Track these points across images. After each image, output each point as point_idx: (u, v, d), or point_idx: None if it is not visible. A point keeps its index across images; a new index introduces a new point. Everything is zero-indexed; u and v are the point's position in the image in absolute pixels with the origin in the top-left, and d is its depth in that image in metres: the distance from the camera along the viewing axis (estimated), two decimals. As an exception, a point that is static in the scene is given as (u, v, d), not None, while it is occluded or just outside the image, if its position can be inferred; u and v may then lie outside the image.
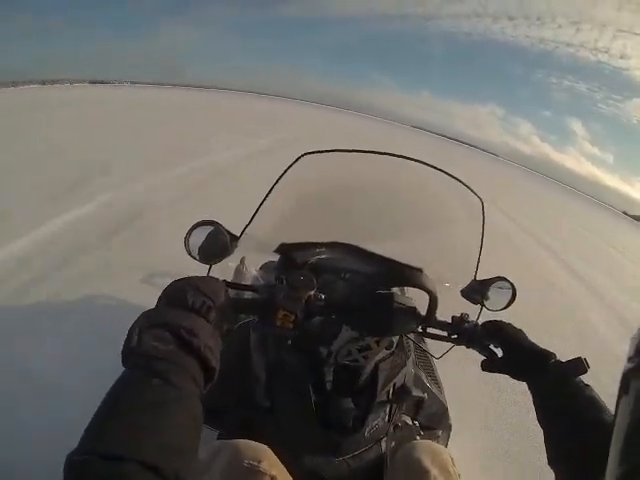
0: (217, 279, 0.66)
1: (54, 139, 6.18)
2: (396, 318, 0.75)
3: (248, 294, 0.80)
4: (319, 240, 0.88)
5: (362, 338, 0.80)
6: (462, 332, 0.82)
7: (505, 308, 0.90)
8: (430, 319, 0.78)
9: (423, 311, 0.78)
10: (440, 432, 1.10)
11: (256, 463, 0.68)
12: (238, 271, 1.48)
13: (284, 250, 0.86)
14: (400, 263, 0.85)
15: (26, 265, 2.58)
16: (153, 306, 0.57)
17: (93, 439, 0.38)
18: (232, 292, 0.70)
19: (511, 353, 0.76)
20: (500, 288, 0.90)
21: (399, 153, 0.88)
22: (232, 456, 0.69)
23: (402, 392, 0.87)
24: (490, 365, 0.79)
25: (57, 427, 1.19)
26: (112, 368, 0.50)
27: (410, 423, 0.97)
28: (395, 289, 0.82)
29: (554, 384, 0.67)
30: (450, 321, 0.83)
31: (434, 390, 1.11)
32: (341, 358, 0.80)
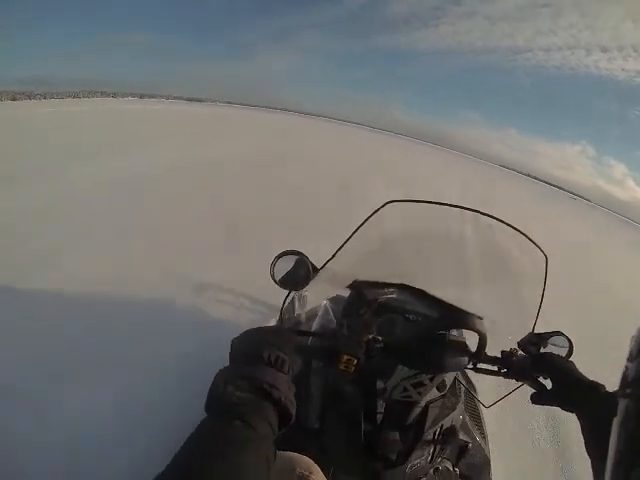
0: (287, 330, 0.72)
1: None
2: (446, 355, 0.78)
3: (311, 338, 0.84)
4: (389, 281, 0.94)
5: (416, 375, 0.82)
6: (512, 366, 0.83)
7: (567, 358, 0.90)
8: (480, 355, 0.81)
9: (474, 349, 0.80)
10: None
11: (307, 473, 0.74)
12: (291, 302, 1.51)
13: (356, 286, 0.93)
14: (460, 309, 0.88)
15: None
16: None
17: (179, 469, 0.43)
18: (300, 339, 0.76)
19: (560, 385, 0.77)
20: (557, 343, 0.90)
21: (480, 208, 0.90)
22: (285, 465, 0.75)
23: (448, 435, 0.88)
24: (539, 398, 0.79)
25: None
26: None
27: (451, 469, 0.96)
28: (451, 331, 0.84)
29: (603, 415, 0.61)
30: (500, 356, 0.84)
31: (479, 439, 1.09)
32: (396, 394, 0.83)
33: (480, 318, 0.84)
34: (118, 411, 1.74)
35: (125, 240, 3.30)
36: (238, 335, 0.65)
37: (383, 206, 0.87)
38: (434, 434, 0.86)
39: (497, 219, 0.91)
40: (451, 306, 0.90)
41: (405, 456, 0.82)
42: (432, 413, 0.86)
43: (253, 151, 8.91)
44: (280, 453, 0.78)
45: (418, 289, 0.93)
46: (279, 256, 0.83)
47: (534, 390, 0.81)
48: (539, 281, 0.92)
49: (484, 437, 1.16)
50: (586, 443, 0.68)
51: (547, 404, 0.78)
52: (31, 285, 2.47)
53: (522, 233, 0.90)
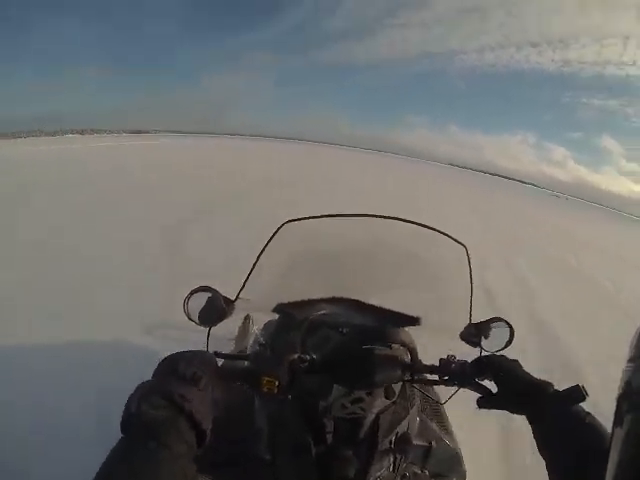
0: (206, 352, 0.72)
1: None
2: (376, 370, 0.77)
3: (236, 362, 0.84)
4: (316, 297, 0.94)
5: (353, 391, 0.81)
6: (452, 373, 0.81)
7: (504, 348, 0.89)
8: (414, 367, 0.80)
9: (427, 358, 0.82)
10: (454, 479, 1.07)
11: None
12: (243, 329, 1.53)
13: (282, 309, 0.92)
14: (397, 313, 0.91)
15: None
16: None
17: None
18: (225, 361, 0.77)
19: (506, 387, 0.74)
20: (498, 329, 0.90)
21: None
22: None
23: (405, 441, 0.86)
24: (486, 402, 0.77)
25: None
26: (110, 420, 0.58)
27: (419, 472, 0.96)
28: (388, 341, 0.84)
29: (553, 415, 0.65)
30: (438, 364, 0.83)
31: (443, 436, 1.08)
32: (337, 412, 0.81)
33: (417, 320, 0.87)
34: (38, 427, 1.83)
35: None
36: (170, 354, 0.65)
37: (279, 228, 0.88)
38: (390, 443, 0.84)
39: (405, 220, 0.91)
40: (387, 312, 0.91)
41: (364, 472, 0.79)
42: (384, 422, 0.83)
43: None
44: None
45: (350, 300, 0.94)
46: (190, 294, 0.82)
47: (479, 395, 0.78)
48: (465, 272, 0.92)
49: (448, 432, 1.15)
50: (538, 445, 0.67)
51: (495, 408, 0.76)
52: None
53: (434, 229, 0.92)
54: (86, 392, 2.01)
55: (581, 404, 0.65)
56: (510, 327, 0.89)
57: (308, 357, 0.75)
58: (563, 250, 8.45)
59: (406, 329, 0.86)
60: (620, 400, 0.32)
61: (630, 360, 0.32)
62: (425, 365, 0.82)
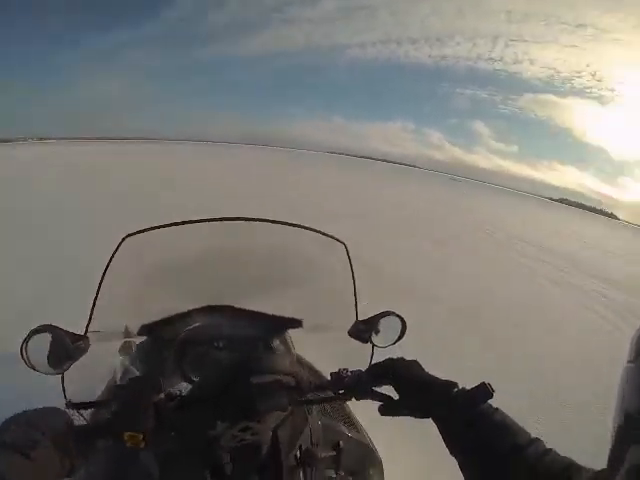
0: (55, 408, 0.57)
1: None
2: (259, 400, 0.69)
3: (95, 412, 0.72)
4: (184, 310, 0.84)
5: (236, 422, 0.72)
6: (346, 386, 0.76)
7: (397, 341, 0.88)
8: (303, 388, 0.74)
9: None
10: (370, 471, 1.06)
11: None
12: (124, 351, 1.29)
13: (148, 331, 0.81)
14: (277, 317, 0.86)
15: None
16: None
17: None
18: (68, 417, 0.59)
19: (407, 392, 0.69)
20: (388, 322, 0.88)
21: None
22: None
23: (311, 451, 0.81)
24: (388, 409, 0.72)
25: None
26: None
27: (334, 475, 0.92)
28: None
29: (461, 415, 0.62)
30: (330, 378, 0.77)
31: (351, 433, 1.07)
32: (228, 442, 0.72)
33: (299, 322, 0.85)
34: None
35: None
36: (7, 419, 0.53)
37: (120, 243, 0.77)
38: (295, 457, 0.79)
39: (271, 221, 0.86)
40: (267, 316, 0.87)
41: None
42: (283, 439, 0.78)
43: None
44: None
45: (226, 307, 0.88)
46: (27, 338, 0.66)
47: (380, 403, 0.73)
48: (347, 269, 0.90)
49: (356, 428, 1.14)
50: (449, 446, 0.63)
51: (398, 415, 0.72)
52: None
53: (310, 229, 0.88)
54: None
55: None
56: (401, 319, 0.88)
57: (178, 392, 0.67)
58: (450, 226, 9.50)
59: (291, 339, 0.79)
60: (622, 430, 0.31)
61: (630, 361, 0.31)
62: (315, 384, 0.76)
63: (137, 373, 0.89)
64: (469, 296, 4.83)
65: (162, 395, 0.64)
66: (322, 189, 13.32)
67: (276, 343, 0.92)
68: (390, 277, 4.97)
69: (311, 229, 0.88)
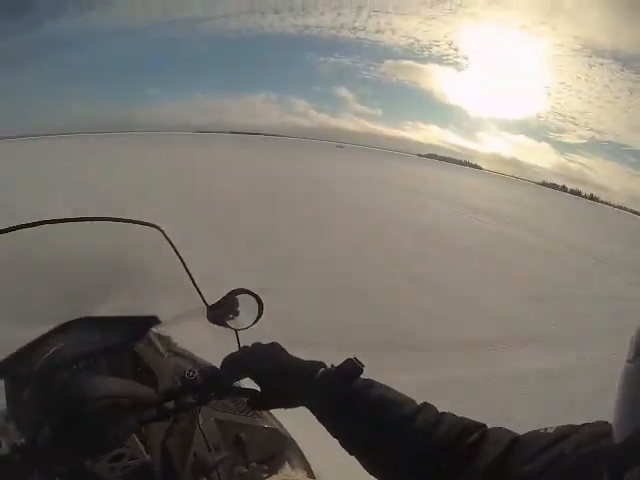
0: None
1: None
2: (107, 431, 0.57)
3: None
4: (33, 338, 0.73)
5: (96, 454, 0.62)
6: (200, 387, 0.65)
7: (257, 320, 0.83)
8: (149, 403, 0.62)
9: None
10: (286, 452, 1.02)
11: None
12: None
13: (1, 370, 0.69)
14: (134, 317, 0.83)
15: None
16: None
17: None
18: None
19: (270, 382, 0.61)
20: (244, 302, 0.83)
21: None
22: None
23: (205, 457, 0.73)
24: (256, 403, 0.66)
25: None
26: None
27: (246, 470, 0.86)
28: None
29: (332, 397, 0.56)
30: (180, 385, 0.66)
31: (253, 422, 0.99)
32: (108, 475, 0.63)
33: (155, 319, 0.83)
34: None
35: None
36: None
37: None
38: (192, 465, 0.72)
39: (70, 220, 0.81)
40: (123, 319, 0.81)
41: None
42: (173, 451, 0.71)
43: None
44: None
45: (81, 319, 0.80)
46: None
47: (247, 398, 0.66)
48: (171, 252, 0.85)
49: (258, 415, 1.06)
50: (328, 428, 0.57)
51: (268, 408, 0.68)
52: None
53: (119, 220, 0.83)
54: None
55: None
56: (256, 297, 0.83)
57: (20, 442, 0.55)
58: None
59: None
60: (617, 407, 0.31)
61: (629, 360, 0.31)
62: (163, 394, 0.64)
63: None
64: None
65: (7, 446, 0.54)
66: (189, 169, 12.98)
67: (140, 347, 0.83)
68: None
69: (125, 220, 0.82)
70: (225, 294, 0.83)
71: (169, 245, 0.86)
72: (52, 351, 0.74)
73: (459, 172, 29.22)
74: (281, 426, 1.07)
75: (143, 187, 8.28)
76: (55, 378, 0.69)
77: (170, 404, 0.64)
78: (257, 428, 0.99)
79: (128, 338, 0.79)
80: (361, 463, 0.55)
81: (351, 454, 0.56)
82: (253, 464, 0.90)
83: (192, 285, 0.87)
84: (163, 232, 0.85)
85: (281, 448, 1.03)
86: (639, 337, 0.32)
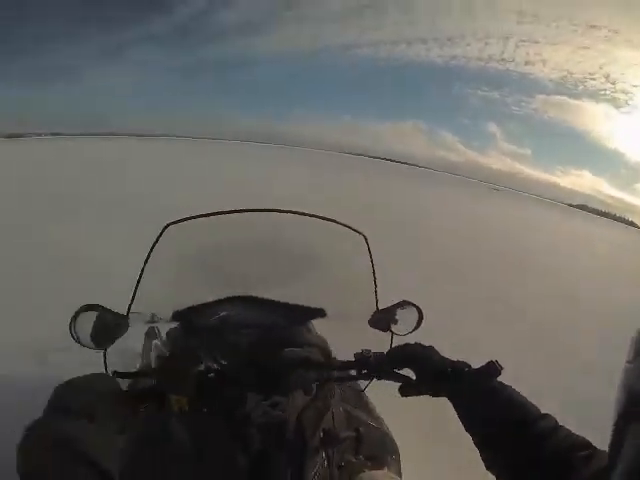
0: (103, 375, 0.64)
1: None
2: (291, 374, 0.75)
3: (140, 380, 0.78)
4: (213, 299, 0.90)
5: (268, 397, 0.78)
6: (369, 366, 0.81)
7: (414, 330, 0.92)
8: (330, 364, 0.80)
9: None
10: (388, 458, 1.07)
11: None
12: (146, 344, 1.48)
13: (180, 317, 0.88)
14: (301, 306, 0.90)
15: None
16: None
17: None
18: (127, 382, 0.69)
19: (424, 373, 0.76)
20: (406, 312, 0.92)
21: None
22: None
23: (333, 434, 0.86)
24: (407, 390, 0.78)
25: None
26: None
27: (354, 460, 0.95)
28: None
29: (472, 392, 0.68)
30: (354, 359, 0.82)
31: (370, 421, 1.11)
32: (257, 418, 0.77)
33: (322, 311, 0.89)
34: None
35: None
36: (60, 384, 0.58)
37: (162, 232, 0.84)
38: (319, 439, 0.83)
39: (296, 212, 0.91)
40: (290, 306, 0.91)
41: (299, 473, 0.77)
42: (308, 420, 0.82)
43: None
44: None
45: (251, 297, 0.93)
46: (75, 316, 0.73)
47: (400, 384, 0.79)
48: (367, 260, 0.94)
49: (373, 415, 1.18)
50: (465, 425, 0.69)
51: (417, 394, 0.77)
52: None
53: (331, 220, 0.92)
54: None
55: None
56: (417, 308, 0.92)
57: (215, 366, 0.72)
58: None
59: (314, 326, 0.85)
60: (625, 409, 0.32)
61: (629, 361, 0.32)
62: (341, 362, 0.82)
63: (167, 354, 0.97)
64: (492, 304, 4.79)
65: (202, 367, 0.71)
66: (332, 188, 13.06)
67: (302, 330, 0.96)
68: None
69: (334, 221, 0.92)
70: (394, 303, 0.93)
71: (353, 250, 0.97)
72: (222, 315, 0.90)
73: (613, 228, 25.58)
74: (391, 435, 1.14)
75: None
76: (224, 336, 0.85)
77: (343, 373, 0.84)
78: (372, 427, 1.09)
79: (292, 322, 0.88)
80: (482, 456, 0.64)
81: (475, 444, 0.66)
82: (360, 457, 0.97)
83: (360, 290, 0.98)
84: (366, 239, 0.92)
85: (387, 453, 1.08)
86: (639, 338, 0.33)
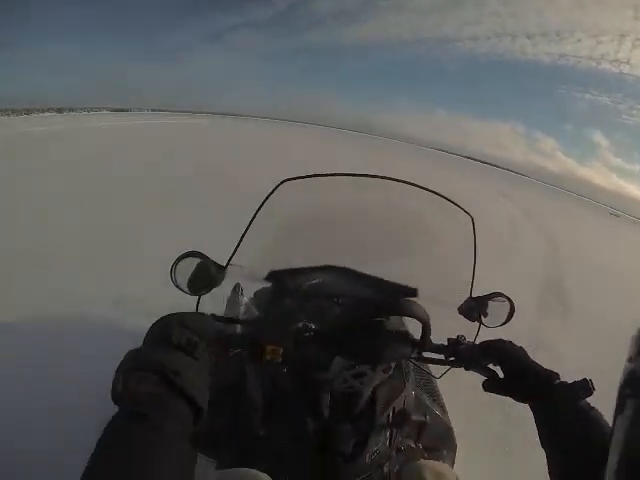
0: (203, 314, 0.67)
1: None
2: (387, 345, 0.74)
3: (235, 327, 0.80)
4: (310, 265, 0.89)
5: (356, 365, 0.78)
6: (459, 354, 0.79)
7: (504, 324, 0.87)
8: (424, 344, 0.77)
9: (418, 334, 0.77)
10: (445, 452, 1.08)
11: None
12: (232, 298, 1.49)
13: (274, 277, 0.87)
14: (393, 283, 0.87)
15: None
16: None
17: None
18: (221, 325, 0.69)
19: (512, 374, 0.73)
20: (498, 304, 0.88)
21: (412, 178, 0.86)
22: None
23: (402, 415, 0.86)
24: (492, 386, 0.76)
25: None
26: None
27: (413, 446, 0.95)
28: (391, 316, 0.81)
29: (559, 407, 0.65)
30: (446, 343, 0.81)
31: (437, 411, 1.10)
32: (337, 385, 0.79)
33: (414, 291, 0.84)
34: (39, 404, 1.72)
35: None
36: (157, 319, 0.59)
37: (277, 187, 0.81)
38: (387, 418, 0.83)
39: (411, 183, 0.86)
40: (383, 282, 0.87)
41: (362, 446, 0.78)
42: (381, 397, 0.82)
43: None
44: (225, 472, 0.75)
45: (345, 268, 0.90)
46: (177, 260, 0.76)
47: (485, 377, 0.77)
48: (470, 244, 0.88)
49: (442, 407, 1.15)
50: (540, 436, 0.66)
51: (500, 393, 0.75)
52: None
53: (441, 195, 0.87)
54: (78, 361, 1.97)
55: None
56: (510, 302, 0.86)
57: (312, 326, 0.72)
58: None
59: (421, 296, 0.82)
60: (622, 388, 0.32)
61: (629, 360, 0.32)
62: (434, 344, 0.79)
63: (257, 312, 1.03)
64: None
65: (300, 324, 0.71)
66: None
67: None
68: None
69: (445, 197, 0.86)
70: (488, 293, 0.88)
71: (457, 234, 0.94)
72: (316, 281, 0.89)
73: None
74: (453, 430, 1.11)
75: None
76: (318, 301, 0.85)
77: (432, 355, 0.80)
78: (438, 417, 1.07)
79: (383, 311, 0.81)
80: (550, 471, 0.62)
81: (548, 458, 0.63)
82: (419, 445, 0.97)
83: (455, 274, 0.95)
84: (473, 221, 0.86)
85: (445, 447, 1.07)
86: (639, 337, 0.32)
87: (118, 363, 0.51)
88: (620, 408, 0.31)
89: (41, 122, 13.43)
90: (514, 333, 0.94)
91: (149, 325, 0.60)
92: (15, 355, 2.03)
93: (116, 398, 0.47)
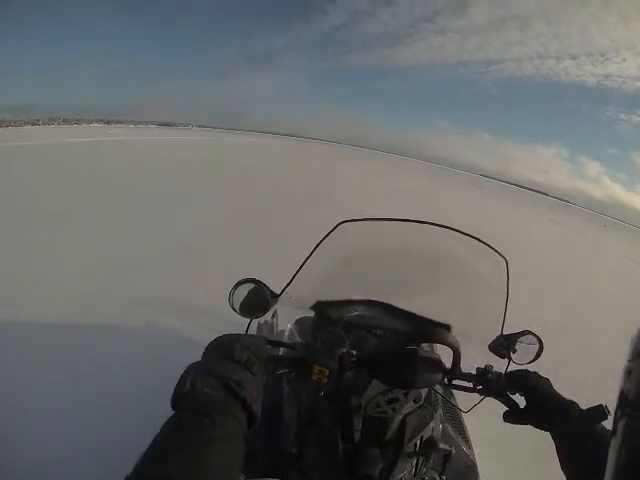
0: (259, 337, 0.74)
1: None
2: (421, 370, 0.77)
3: (283, 350, 0.85)
4: (352, 298, 0.97)
5: (390, 390, 0.82)
6: (487, 383, 0.83)
7: (532, 361, 0.90)
8: (455, 371, 0.80)
9: (449, 364, 0.80)
10: None
11: None
12: (268, 323, 1.56)
13: (319, 307, 0.95)
14: (428, 320, 0.92)
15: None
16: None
17: (149, 466, 0.43)
18: (272, 347, 0.76)
19: (534, 403, 0.76)
20: (527, 342, 0.91)
21: (450, 225, 0.91)
22: None
23: (429, 445, 0.88)
24: (512, 416, 0.79)
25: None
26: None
27: (437, 478, 0.96)
28: (423, 345, 0.85)
29: (576, 433, 0.68)
30: (475, 372, 0.84)
31: (462, 445, 1.10)
32: (370, 410, 0.82)
33: (447, 327, 0.90)
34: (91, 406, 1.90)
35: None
36: (224, 335, 0.67)
37: (335, 227, 0.89)
38: (415, 446, 0.85)
39: (451, 228, 0.92)
40: (419, 318, 0.94)
41: (388, 472, 0.81)
42: (410, 425, 0.85)
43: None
44: None
45: (384, 303, 0.97)
46: (236, 285, 0.85)
47: (507, 408, 0.81)
48: (503, 285, 0.92)
49: (467, 442, 1.17)
50: (562, 463, 0.69)
51: (520, 423, 0.78)
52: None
53: (478, 239, 0.92)
54: (130, 370, 2.15)
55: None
56: (540, 341, 0.91)
57: (355, 352, 0.77)
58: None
59: (455, 330, 0.87)
60: (617, 406, 0.32)
61: (630, 360, 0.32)
62: (463, 372, 0.83)
63: (299, 338, 1.08)
64: None
65: (344, 350, 0.75)
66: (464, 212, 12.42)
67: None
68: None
69: (480, 240, 0.91)
70: (518, 331, 0.92)
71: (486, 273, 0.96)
72: (356, 313, 0.96)
73: None
74: (477, 466, 1.11)
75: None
76: (358, 332, 0.90)
77: (461, 384, 0.85)
78: (463, 452, 1.08)
79: (418, 338, 0.83)
80: None
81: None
82: (443, 477, 0.97)
83: (487, 312, 0.97)
84: (507, 264, 0.90)
85: (468, 479, 1.07)
86: (639, 337, 0.31)
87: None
88: (614, 430, 0.33)
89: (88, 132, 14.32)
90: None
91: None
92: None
93: (179, 400, 0.52)
